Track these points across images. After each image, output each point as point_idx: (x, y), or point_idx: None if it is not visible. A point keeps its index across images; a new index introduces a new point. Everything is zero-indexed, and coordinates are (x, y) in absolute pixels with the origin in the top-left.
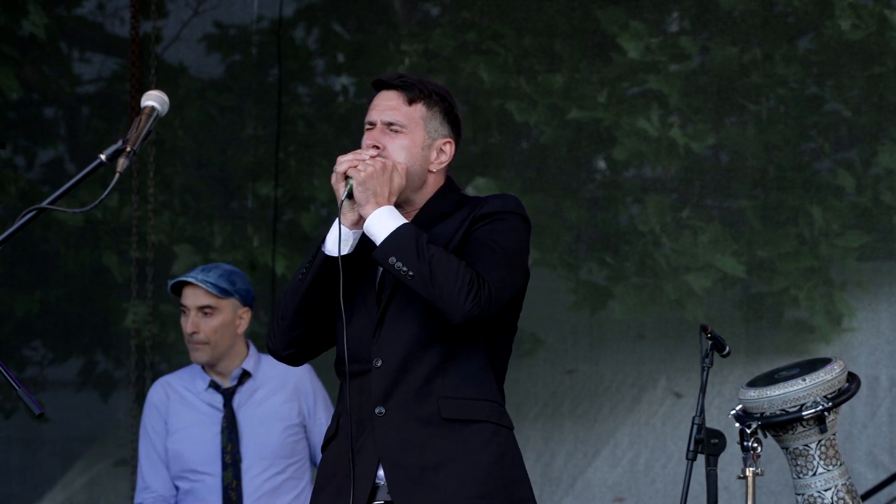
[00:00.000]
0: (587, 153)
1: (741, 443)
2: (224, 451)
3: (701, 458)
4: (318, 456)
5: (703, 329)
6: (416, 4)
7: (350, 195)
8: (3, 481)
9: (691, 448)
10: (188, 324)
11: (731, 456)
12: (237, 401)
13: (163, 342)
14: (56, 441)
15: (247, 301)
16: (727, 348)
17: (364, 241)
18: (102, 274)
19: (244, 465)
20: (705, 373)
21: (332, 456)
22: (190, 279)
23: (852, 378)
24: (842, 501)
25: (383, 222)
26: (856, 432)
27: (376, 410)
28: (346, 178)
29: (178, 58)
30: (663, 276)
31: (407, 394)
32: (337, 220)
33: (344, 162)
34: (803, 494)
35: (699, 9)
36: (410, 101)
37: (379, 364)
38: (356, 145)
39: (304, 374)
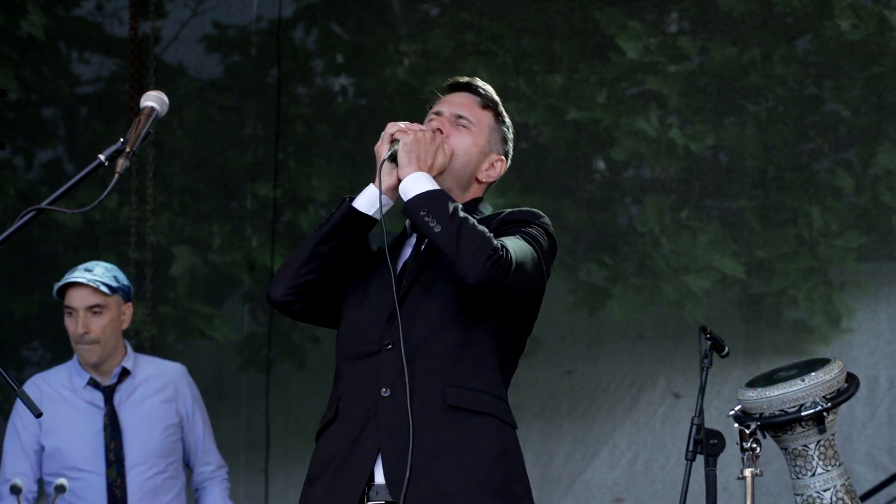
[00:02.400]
0: (586, 154)
1: (740, 443)
2: (108, 449)
3: (700, 459)
4: (191, 456)
5: (702, 330)
6: (415, 5)
7: (392, 158)
8: None
9: (690, 448)
10: (78, 325)
11: (730, 456)
12: (117, 398)
13: (161, 343)
14: None
15: (128, 297)
16: (726, 349)
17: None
18: None
19: (128, 463)
20: (704, 373)
21: (329, 441)
22: (79, 279)
23: (851, 378)
24: (841, 502)
25: (420, 183)
26: (855, 433)
27: (381, 391)
28: (393, 142)
29: (177, 58)
30: (662, 277)
31: (414, 376)
32: (374, 182)
33: (394, 125)
34: (802, 495)
35: (698, 9)
36: (483, 106)
37: (390, 347)
38: (356, 145)
39: (180, 377)
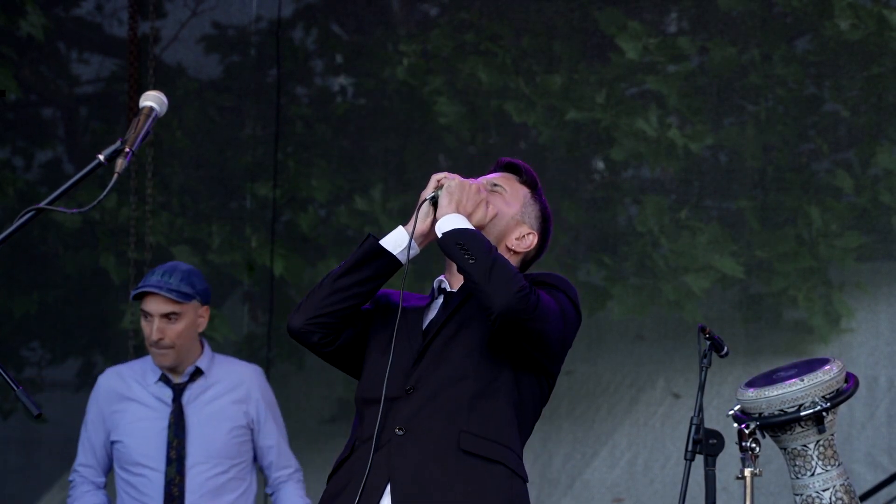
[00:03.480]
0: (585, 154)
1: (739, 443)
2: (170, 447)
3: (699, 459)
4: (265, 460)
5: (702, 329)
6: (415, 5)
7: (434, 201)
8: (1, 482)
9: (690, 448)
10: (153, 331)
11: (729, 456)
12: (186, 397)
13: None
14: (54, 442)
15: (206, 300)
16: (725, 349)
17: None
18: (100, 275)
19: (189, 462)
20: (703, 373)
21: (340, 475)
22: (152, 289)
23: (850, 378)
24: (840, 502)
25: (458, 222)
26: (854, 433)
27: (397, 430)
28: (437, 188)
29: (176, 58)
30: (662, 277)
31: (431, 419)
32: (405, 226)
33: (441, 173)
34: (801, 495)
35: (698, 9)
36: (523, 182)
37: (411, 391)
38: (355, 146)
39: (255, 379)
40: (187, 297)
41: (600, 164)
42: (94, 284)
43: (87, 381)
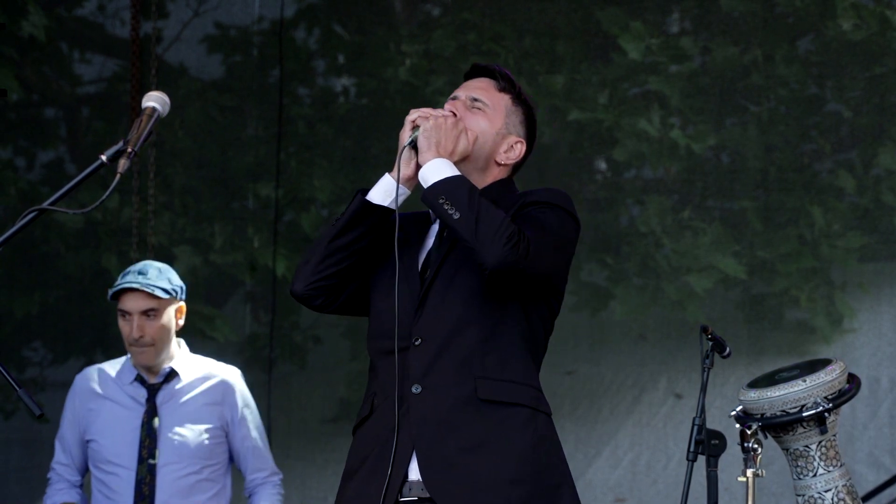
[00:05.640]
0: (588, 154)
1: (741, 444)
2: (142, 446)
3: (701, 459)
4: (243, 462)
5: (704, 330)
6: (417, 5)
7: (413, 144)
8: (2, 482)
9: (692, 449)
10: (133, 328)
11: (731, 457)
12: (161, 397)
13: None
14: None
15: (181, 296)
16: (727, 349)
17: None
18: (102, 275)
19: (160, 461)
20: (706, 373)
21: (365, 437)
22: (133, 285)
23: (853, 379)
24: (842, 502)
25: (440, 169)
26: (856, 433)
27: (413, 388)
28: (414, 129)
29: (178, 58)
30: (664, 277)
31: (445, 372)
32: (394, 170)
33: (415, 111)
34: (804, 495)
35: (700, 9)
36: (500, 90)
37: (419, 342)
38: (357, 145)
39: (231, 381)
40: (165, 293)
41: (603, 165)
42: (96, 285)
43: None
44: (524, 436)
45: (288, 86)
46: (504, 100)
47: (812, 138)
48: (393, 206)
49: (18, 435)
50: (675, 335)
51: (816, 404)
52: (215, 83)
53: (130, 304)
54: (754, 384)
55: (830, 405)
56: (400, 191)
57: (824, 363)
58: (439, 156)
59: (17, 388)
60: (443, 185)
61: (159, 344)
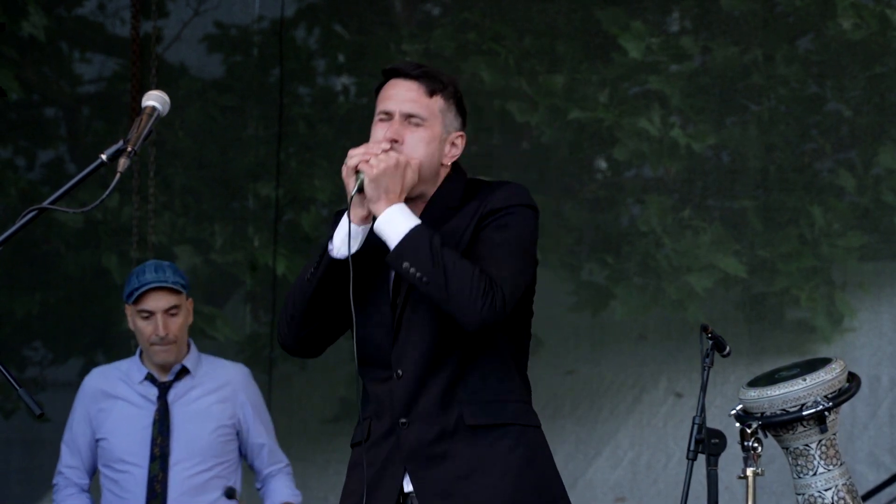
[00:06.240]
0: (588, 154)
1: (742, 443)
2: (154, 444)
3: (702, 458)
4: (256, 459)
5: (704, 329)
6: (417, 5)
7: (361, 190)
8: (3, 482)
9: (692, 448)
10: (159, 327)
11: (731, 456)
12: (172, 395)
13: None
14: (56, 442)
15: (188, 292)
16: (727, 348)
17: (372, 238)
18: (103, 275)
19: (172, 459)
20: (706, 373)
21: (362, 460)
22: (156, 284)
23: (853, 378)
24: (842, 501)
25: (395, 223)
26: (857, 432)
27: (400, 421)
28: (357, 172)
29: (178, 58)
30: (665, 277)
31: (429, 404)
32: (345, 215)
33: (355, 156)
34: (804, 494)
35: (700, 9)
36: (431, 93)
37: (399, 374)
38: (357, 145)
39: (241, 379)
40: (185, 288)
41: (603, 164)
42: (97, 284)
43: None
44: (517, 454)
45: (288, 85)
46: (436, 103)
47: (812, 138)
48: (354, 248)
49: (18, 435)
50: (675, 335)
51: (816, 403)
52: (215, 83)
53: (154, 303)
54: (754, 383)
55: (830, 404)
56: (360, 232)
57: (824, 362)
58: (390, 203)
59: (18, 388)
60: (402, 247)
61: (180, 341)
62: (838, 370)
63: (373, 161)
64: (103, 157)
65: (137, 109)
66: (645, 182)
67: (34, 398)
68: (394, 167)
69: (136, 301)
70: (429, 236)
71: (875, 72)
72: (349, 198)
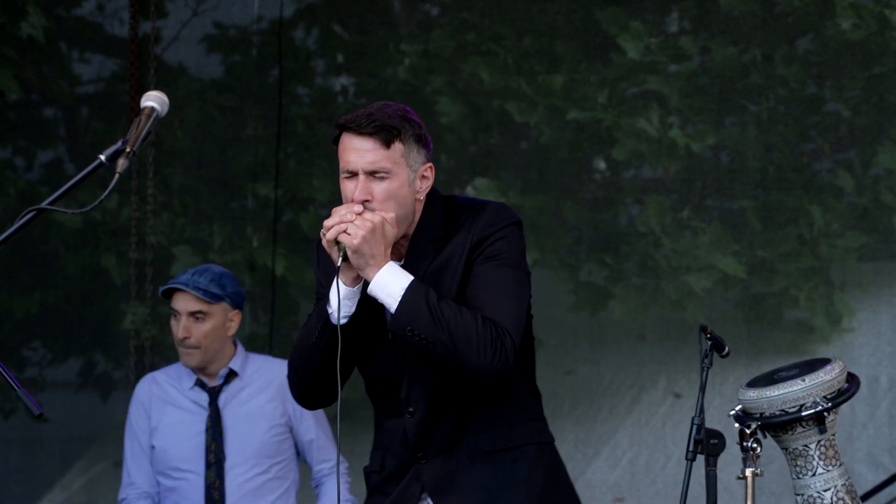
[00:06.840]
0: (587, 154)
1: (740, 443)
2: (208, 450)
3: (700, 459)
4: (307, 455)
5: (703, 329)
6: (416, 5)
7: (346, 258)
8: (2, 482)
9: (691, 448)
10: (180, 329)
11: (730, 456)
12: (223, 399)
13: (162, 343)
14: (55, 442)
15: (237, 304)
16: (727, 349)
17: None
18: (101, 275)
19: (227, 464)
20: (705, 373)
21: (382, 489)
22: (180, 286)
23: (852, 378)
24: (841, 502)
25: (388, 286)
26: (856, 433)
27: (418, 455)
28: (338, 242)
29: (177, 58)
30: (663, 277)
31: (444, 439)
32: (335, 283)
33: (331, 228)
34: (803, 495)
35: (699, 9)
36: (388, 144)
37: (412, 412)
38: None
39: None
40: (216, 298)
41: (602, 164)
42: (96, 284)
43: (87, 380)
44: (536, 474)
45: (287, 85)
46: (396, 150)
47: (811, 138)
48: (353, 307)
49: (18, 434)
50: (674, 335)
51: (815, 404)
52: (214, 83)
53: (180, 304)
54: (753, 383)
55: (829, 404)
56: (354, 293)
57: (823, 362)
58: (378, 266)
59: (17, 388)
60: (401, 313)
61: (206, 348)
62: (837, 371)
63: (350, 230)
64: (102, 157)
65: (136, 110)
66: (644, 182)
67: (33, 398)
68: (371, 232)
69: (166, 297)
70: (424, 294)
71: (874, 72)
72: (336, 267)
